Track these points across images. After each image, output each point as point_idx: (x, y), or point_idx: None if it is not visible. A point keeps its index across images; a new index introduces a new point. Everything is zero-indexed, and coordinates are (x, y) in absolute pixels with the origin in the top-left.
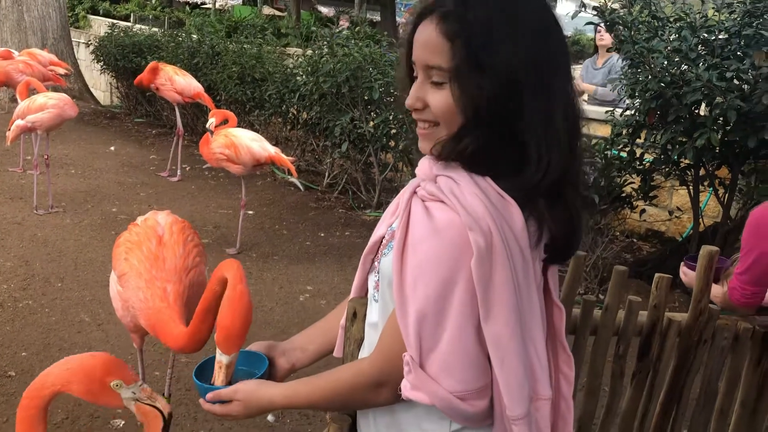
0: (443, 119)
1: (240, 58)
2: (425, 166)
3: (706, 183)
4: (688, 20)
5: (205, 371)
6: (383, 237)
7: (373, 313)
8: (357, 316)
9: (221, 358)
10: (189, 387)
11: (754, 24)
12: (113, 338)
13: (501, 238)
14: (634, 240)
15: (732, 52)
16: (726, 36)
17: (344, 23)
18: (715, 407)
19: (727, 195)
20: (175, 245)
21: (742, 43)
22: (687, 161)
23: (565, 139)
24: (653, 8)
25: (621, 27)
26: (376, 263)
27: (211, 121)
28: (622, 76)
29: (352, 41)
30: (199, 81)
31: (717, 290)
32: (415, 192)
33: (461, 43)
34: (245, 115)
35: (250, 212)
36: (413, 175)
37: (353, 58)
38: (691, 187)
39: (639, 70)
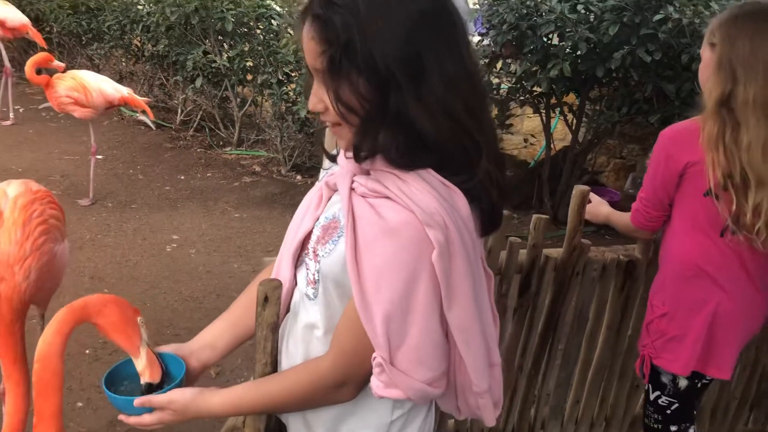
0: (341, 120)
1: None
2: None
3: (557, 109)
4: None
5: (113, 383)
6: (310, 231)
7: (311, 312)
8: (269, 300)
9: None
10: None
11: None
12: None
13: (456, 229)
14: None
15: None
16: None
17: None
18: (585, 332)
19: (575, 120)
20: (13, 227)
21: None
22: (540, 89)
23: (466, 118)
24: None
25: None
26: (306, 259)
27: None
28: (478, 8)
29: None
30: (24, 11)
31: (620, 218)
32: (352, 188)
33: (328, 46)
34: (82, 49)
35: (100, 157)
36: (279, 116)
37: None
38: (543, 114)
39: (497, 3)
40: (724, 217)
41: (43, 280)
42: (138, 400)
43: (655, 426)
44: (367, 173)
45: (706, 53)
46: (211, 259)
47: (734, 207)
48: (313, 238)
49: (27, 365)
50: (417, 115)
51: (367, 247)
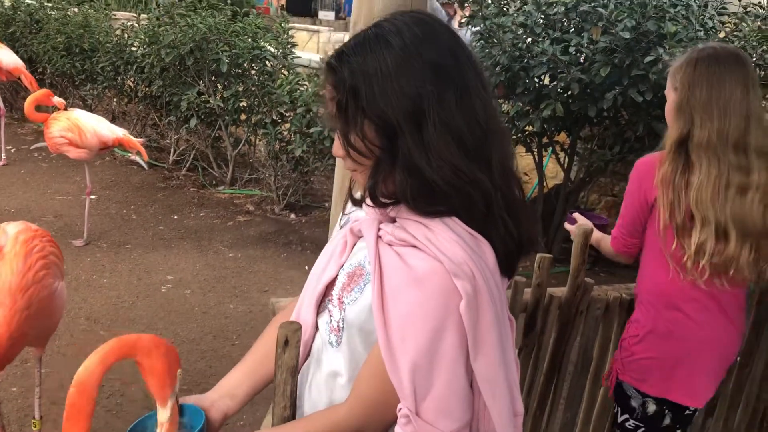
0: (354, 163)
1: (65, 26)
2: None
3: (549, 148)
4: None
5: None
6: (334, 278)
7: (333, 360)
8: (289, 343)
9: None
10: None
11: (589, 1)
12: None
13: (483, 279)
14: None
15: (571, 27)
16: (564, 10)
17: None
18: (590, 371)
19: (567, 159)
20: (15, 258)
21: (578, 18)
22: (532, 129)
23: (471, 168)
24: None
25: (471, 3)
26: (330, 306)
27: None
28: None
29: (194, 11)
30: (18, 53)
31: (606, 242)
32: (378, 236)
33: (337, 92)
34: (74, 89)
35: (93, 197)
36: (273, 155)
37: (197, 29)
38: (535, 153)
39: (489, 45)
40: (673, 255)
41: (41, 318)
42: None
43: None
44: (392, 221)
45: (670, 95)
46: (206, 300)
47: (674, 246)
48: (338, 284)
49: None
50: (421, 161)
51: (393, 296)
